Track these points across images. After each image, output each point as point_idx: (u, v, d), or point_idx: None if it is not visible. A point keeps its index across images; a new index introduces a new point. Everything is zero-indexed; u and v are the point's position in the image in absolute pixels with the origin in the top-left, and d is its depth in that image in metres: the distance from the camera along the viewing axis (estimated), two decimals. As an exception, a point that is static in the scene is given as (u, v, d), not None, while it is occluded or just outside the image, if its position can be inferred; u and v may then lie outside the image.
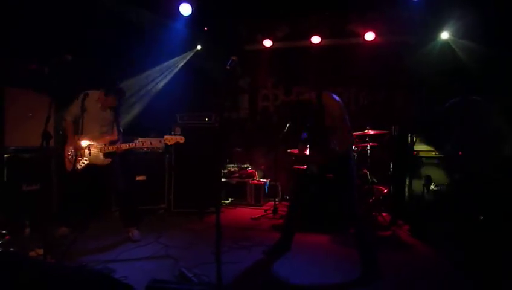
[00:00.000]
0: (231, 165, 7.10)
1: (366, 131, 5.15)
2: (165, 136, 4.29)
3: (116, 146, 4.27)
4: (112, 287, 2.35)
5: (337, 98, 3.45)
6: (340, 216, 4.73)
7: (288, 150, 5.77)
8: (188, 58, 7.15)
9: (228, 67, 2.90)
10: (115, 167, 4.32)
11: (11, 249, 3.73)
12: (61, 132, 4.69)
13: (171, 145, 4.35)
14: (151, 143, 4.34)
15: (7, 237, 4.13)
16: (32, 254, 3.56)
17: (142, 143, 4.37)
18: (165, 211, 5.88)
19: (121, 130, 4.48)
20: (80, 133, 4.20)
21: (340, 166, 3.39)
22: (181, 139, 4.35)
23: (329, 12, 6.33)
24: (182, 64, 7.11)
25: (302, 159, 3.77)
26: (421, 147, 4.83)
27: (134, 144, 4.34)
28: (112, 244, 4.14)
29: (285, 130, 5.01)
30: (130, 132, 4.91)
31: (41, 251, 3.38)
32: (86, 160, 4.26)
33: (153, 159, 5.86)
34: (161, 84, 6.85)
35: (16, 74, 4.55)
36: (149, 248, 4.04)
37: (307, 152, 3.97)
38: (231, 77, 2.96)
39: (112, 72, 4.70)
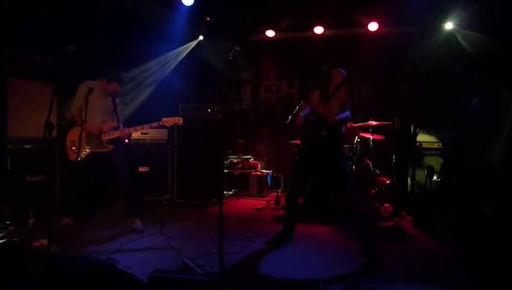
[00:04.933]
0: (234, 156, 7.10)
1: (369, 122, 5.14)
2: (163, 118, 4.36)
3: (118, 132, 4.30)
4: (115, 277, 2.37)
5: (345, 74, 3.45)
6: (341, 207, 4.74)
7: (291, 141, 5.76)
8: (190, 49, 7.11)
9: (231, 58, 2.88)
10: (119, 156, 4.34)
11: (15, 239, 3.76)
12: (63, 123, 4.70)
13: (171, 129, 4.36)
14: (150, 126, 4.37)
15: (11, 228, 4.17)
16: (36, 244, 3.60)
17: (142, 127, 4.41)
18: (168, 202, 5.90)
19: (120, 119, 4.50)
20: (83, 121, 4.22)
21: (330, 143, 3.40)
22: (179, 120, 4.42)
23: (333, 2, 6.27)
24: (184, 55, 7.07)
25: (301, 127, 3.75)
26: (423, 138, 4.81)
27: (134, 129, 4.40)
28: (115, 234, 4.17)
29: (289, 119, 4.99)
30: (132, 123, 4.91)
31: (45, 241, 3.42)
32: (89, 148, 4.27)
33: (155, 150, 5.88)
34: (163, 75, 6.83)
35: (19, 65, 4.55)
36: (152, 239, 4.06)
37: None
38: (234, 67, 2.95)
39: (113, 63, 4.70)
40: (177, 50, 6.97)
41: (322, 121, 3.34)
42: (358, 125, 5.26)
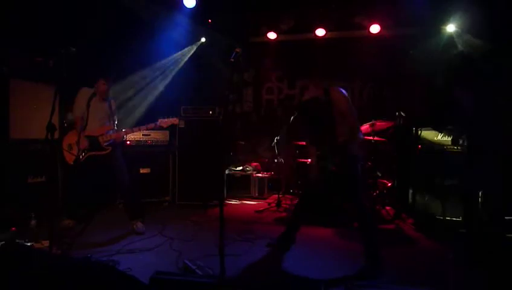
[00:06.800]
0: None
1: (370, 124, 5.11)
2: (159, 119, 4.40)
3: (115, 134, 4.32)
4: (116, 279, 2.37)
5: (344, 92, 3.44)
6: (343, 210, 4.73)
7: (294, 142, 5.75)
8: (193, 51, 7.09)
9: (232, 60, 2.89)
10: (117, 158, 4.36)
11: (17, 240, 3.76)
12: (66, 125, 4.71)
13: (172, 131, 4.38)
14: (147, 127, 4.40)
15: (13, 229, 4.17)
16: (37, 245, 3.60)
17: (138, 129, 4.45)
18: (169, 203, 5.90)
19: (116, 121, 4.54)
20: (84, 126, 4.27)
21: (347, 163, 3.38)
22: (175, 121, 4.48)
23: (334, 4, 6.27)
24: (187, 57, 7.05)
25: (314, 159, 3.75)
26: (425, 139, 4.79)
27: (131, 130, 4.44)
28: (116, 236, 4.17)
29: (291, 122, 4.99)
30: (133, 125, 4.95)
31: (46, 243, 3.42)
32: (87, 151, 4.27)
33: (157, 152, 5.88)
34: (165, 78, 6.82)
35: (20, 66, 4.56)
36: (153, 240, 4.06)
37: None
38: (235, 69, 2.95)
39: (115, 65, 4.71)
40: (180, 52, 6.97)
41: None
42: (360, 128, 5.25)
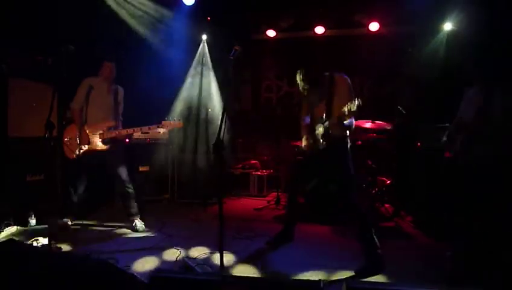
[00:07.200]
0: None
1: (370, 122, 5.11)
2: (163, 122, 4.26)
3: (115, 132, 4.29)
4: (116, 277, 2.37)
5: (348, 79, 3.44)
6: (341, 207, 4.74)
7: (292, 142, 5.75)
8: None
9: (231, 57, 2.89)
10: (117, 155, 4.34)
11: (16, 239, 3.76)
12: (64, 123, 4.70)
13: (172, 133, 4.33)
14: (149, 128, 4.33)
15: (13, 228, 4.17)
16: (36, 243, 3.60)
17: (140, 129, 4.36)
18: (169, 201, 5.90)
19: (121, 118, 4.50)
20: (84, 120, 4.26)
21: (336, 149, 3.40)
22: (179, 124, 4.34)
23: (334, 3, 6.26)
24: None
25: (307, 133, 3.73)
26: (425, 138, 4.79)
27: (132, 130, 4.33)
28: (115, 234, 4.18)
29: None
30: (133, 122, 4.93)
31: (45, 241, 3.42)
32: (86, 146, 4.26)
33: (156, 149, 5.88)
34: (169, 80, 6.78)
35: (19, 65, 4.55)
36: (153, 238, 4.07)
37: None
38: (234, 66, 2.95)
39: (115, 64, 4.69)
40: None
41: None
42: (358, 125, 5.25)
